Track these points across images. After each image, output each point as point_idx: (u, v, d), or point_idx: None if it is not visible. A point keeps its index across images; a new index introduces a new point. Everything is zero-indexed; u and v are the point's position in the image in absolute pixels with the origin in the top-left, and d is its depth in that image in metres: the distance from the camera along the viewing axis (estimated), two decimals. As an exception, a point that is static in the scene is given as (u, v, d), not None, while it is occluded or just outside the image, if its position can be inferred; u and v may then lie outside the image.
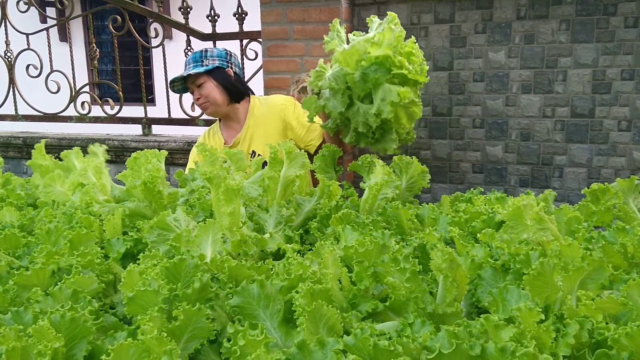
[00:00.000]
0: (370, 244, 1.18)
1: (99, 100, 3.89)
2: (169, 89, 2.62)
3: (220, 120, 2.63)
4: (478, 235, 1.45)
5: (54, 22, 4.21)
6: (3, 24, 3.95)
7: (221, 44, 3.38)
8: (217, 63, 2.51)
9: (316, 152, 2.37)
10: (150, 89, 8.49)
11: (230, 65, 2.54)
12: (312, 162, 1.94)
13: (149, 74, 8.50)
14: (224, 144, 2.56)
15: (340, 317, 1.00)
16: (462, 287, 1.11)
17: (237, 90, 2.53)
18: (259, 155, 2.47)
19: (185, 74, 2.48)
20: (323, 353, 0.80)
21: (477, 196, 1.78)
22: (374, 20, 1.94)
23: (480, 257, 1.24)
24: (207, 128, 2.73)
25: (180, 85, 2.55)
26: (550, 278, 1.05)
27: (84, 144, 3.79)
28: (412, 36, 1.93)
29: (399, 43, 1.81)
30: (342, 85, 1.82)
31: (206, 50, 2.54)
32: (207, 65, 2.50)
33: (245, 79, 2.97)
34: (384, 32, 1.82)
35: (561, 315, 1.00)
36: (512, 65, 2.58)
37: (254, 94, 2.63)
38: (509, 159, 2.65)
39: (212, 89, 2.48)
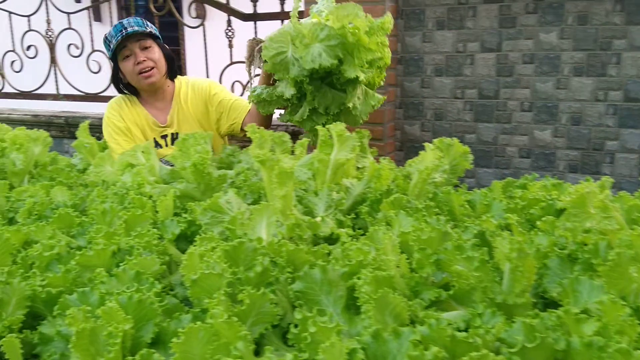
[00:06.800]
0: (432, 231, 1.15)
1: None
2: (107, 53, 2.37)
3: (138, 95, 2.43)
4: (537, 223, 1.40)
5: (89, 2, 4.23)
6: (44, 3, 3.98)
7: (262, 24, 3.35)
8: (157, 34, 2.37)
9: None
10: (181, 71, 8.51)
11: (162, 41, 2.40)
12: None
13: (178, 55, 8.51)
14: (160, 123, 2.41)
15: (406, 305, 0.97)
16: (530, 277, 1.06)
17: (174, 65, 2.43)
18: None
19: (135, 30, 2.23)
20: (398, 343, 0.78)
21: (532, 182, 1.72)
22: None
23: (545, 246, 1.19)
24: (112, 100, 2.45)
25: (115, 45, 2.26)
26: (626, 269, 1.00)
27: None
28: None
29: None
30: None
31: (144, 20, 2.35)
32: (152, 31, 2.32)
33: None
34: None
35: (637, 308, 0.96)
36: (564, 47, 2.47)
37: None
38: (558, 143, 2.56)
39: (160, 55, 2.32)
